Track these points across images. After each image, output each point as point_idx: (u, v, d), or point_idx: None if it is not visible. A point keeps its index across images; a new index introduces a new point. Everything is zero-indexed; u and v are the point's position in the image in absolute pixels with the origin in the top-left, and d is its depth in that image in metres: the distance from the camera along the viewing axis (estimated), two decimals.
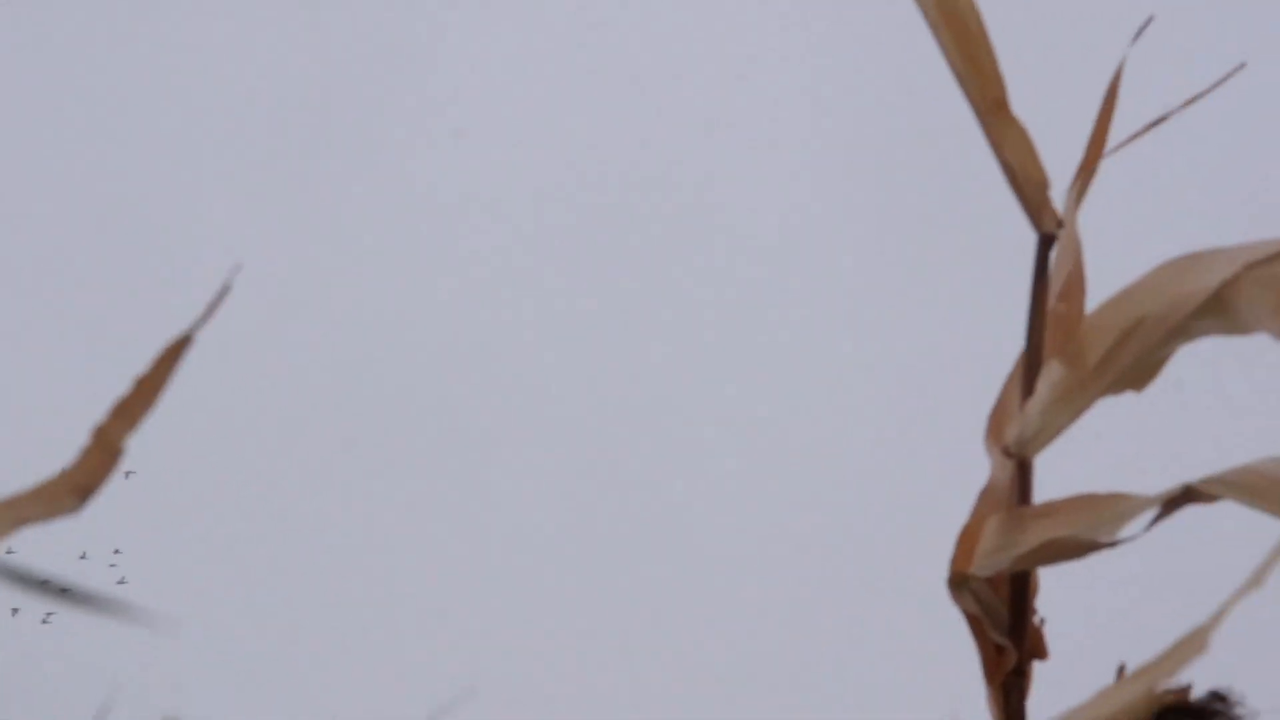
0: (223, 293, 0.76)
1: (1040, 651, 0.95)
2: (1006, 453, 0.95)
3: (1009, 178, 0.93)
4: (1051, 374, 0.93)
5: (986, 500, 0.97)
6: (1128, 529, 0.86)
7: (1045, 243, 0.93)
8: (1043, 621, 0.95)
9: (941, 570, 0.96)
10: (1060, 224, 0.93)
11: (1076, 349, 0.92)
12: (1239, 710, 0.90)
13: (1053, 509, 0.91)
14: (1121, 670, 0.94)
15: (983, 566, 0.92)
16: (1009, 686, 0.94)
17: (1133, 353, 0.90)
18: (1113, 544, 0.87)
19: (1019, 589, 0.94)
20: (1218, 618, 0.60)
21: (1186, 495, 0.80)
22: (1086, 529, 0.87)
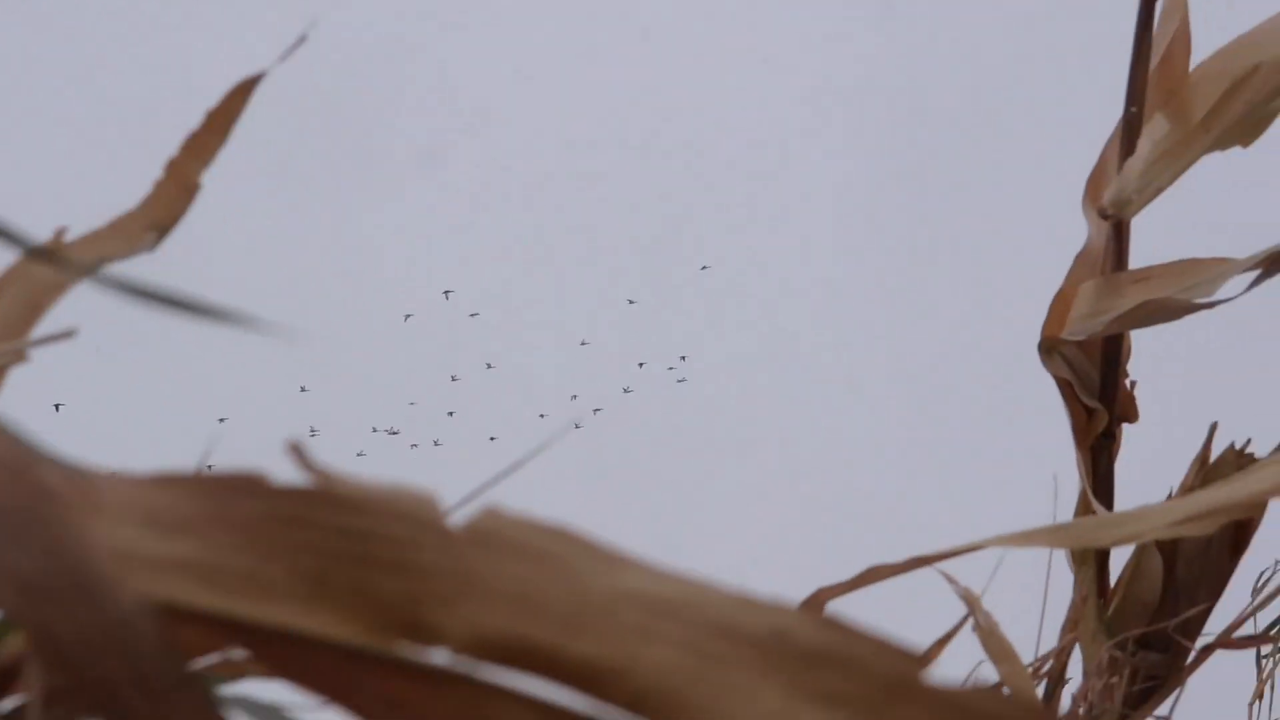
0: (301, 40, 0.74)
1: (1131, 414, 0.92)
2: (1103, 214, 0.91)
3: None
4: (1155, 130, 0.89)
5: (1082, 265, 0.93)
6: (1226, 290, 0.83)
7: None
8: (1134, 384, 0.92)
9: None
10: None
11: (1182, 102, 0.88)
12: None
13: (1150, 273, 0.88)
14: (1213, 430, 0.91)
15: (1075, 330, 0.90)
16: (1098, 449, 0.92)
17: (1244, 103, 0.85)
18: (1210, 305, 0.83)
19: (1111, 352, 0.92)
20: None
21: None
22: (1183, 290, 0.83)
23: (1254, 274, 0.83)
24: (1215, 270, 0.83)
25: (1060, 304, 0.93)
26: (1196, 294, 0.83)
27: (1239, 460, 0.89)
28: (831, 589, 0.73)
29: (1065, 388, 0.92)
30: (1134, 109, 0.90)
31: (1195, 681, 0.99)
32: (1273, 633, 1.04)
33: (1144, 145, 0.89)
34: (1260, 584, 1.08)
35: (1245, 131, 0.87)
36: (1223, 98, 0.86)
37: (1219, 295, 0.83)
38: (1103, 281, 0.90)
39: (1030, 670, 0.83)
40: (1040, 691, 0.86)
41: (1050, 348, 0.92)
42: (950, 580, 0.67)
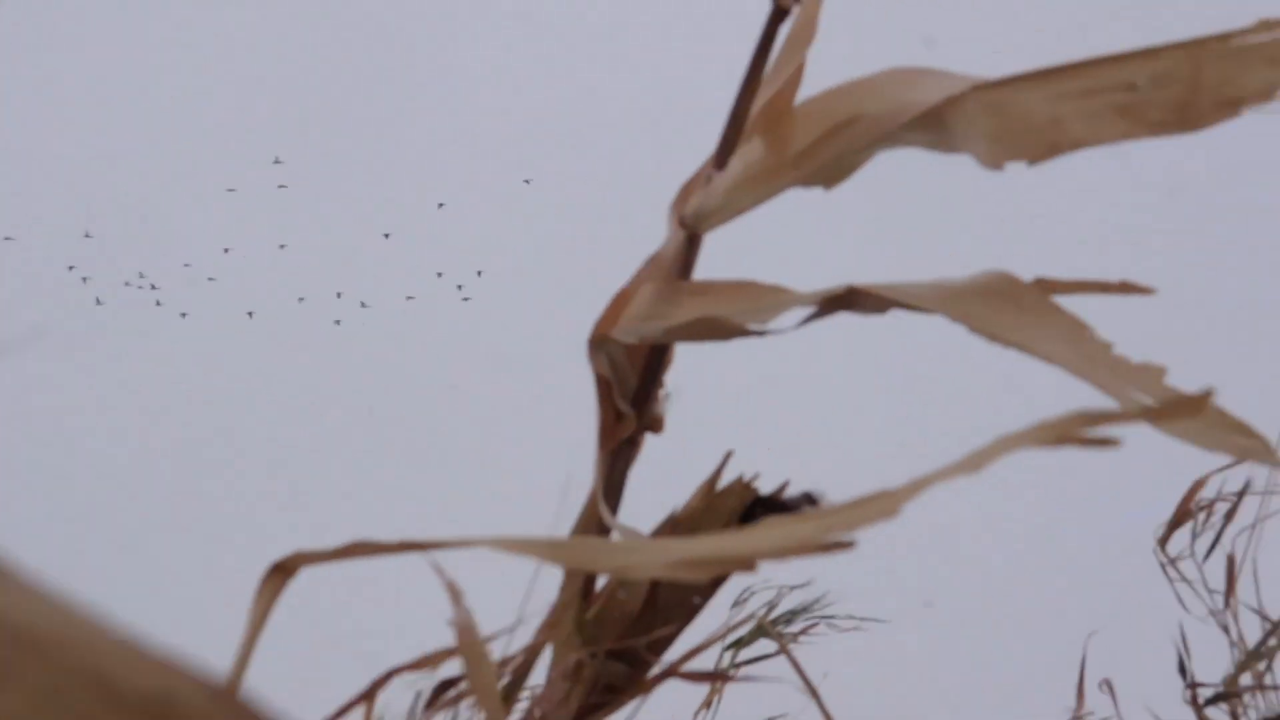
0: None
1: (657, 425, 0.91)
2: (681, 222, 0.89)
3: None
4: (749, 152, 0.87)
5: (650, 268, 0.92)
6: (781, 321, 0.82)
7: (778, 15, 0.86)
8: (667, 395, 0.91)
9: None
10: (799, 0, 0.86)
11: (782, 132, 0.87)
12: None
13: (710, 288, 0.87)
14: (726, 457, 0.92)
15: (627, 332, 0.88)
16: (618, 454, 0.90)
17: (837, 149, 0.85)
18: (762, 333, 0.82)
19: (654, 360, 0.90)
20: (915, 486, 0.55)
21: (849, 297, 0.76)
22: (738, 313, 0.82)
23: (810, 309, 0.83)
24: (772, 299, 0.83)
25: (619, 301, 0.91)
26: (751, 319, 0.82)
27: (743, 492, 0.90)
28: (310, 554, 0.68)
29: (602, 387, 0.90)
30: (733, 127, 0.88)
31: (658, 696, 1.00)
32: (726, 668, 1.07)
33: (735, 165, 0.88)
34: (739, 599, 1.10)
35: (830, 175, 0.87)
36: (819, 138, 0.85)
37: (773, 325, 0.82)
38: (663, 287, 0.88)
39: (497, 668, 0.81)
40: (501, 690, 0.84)
41: (600, 343, 0.89)
42: (438, 571, 0.63)
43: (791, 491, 0.89)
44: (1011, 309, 0.69)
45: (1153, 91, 0.77)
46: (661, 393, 0.92)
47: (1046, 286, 0.70)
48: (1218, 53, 0.75)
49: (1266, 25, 0.74)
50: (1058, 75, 0.80)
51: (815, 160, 0.85)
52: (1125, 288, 0.67)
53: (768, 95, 0.90)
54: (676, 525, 0.89)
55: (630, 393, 0.90)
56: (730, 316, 0.82)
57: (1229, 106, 0.75)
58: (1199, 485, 2.01)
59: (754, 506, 0.89)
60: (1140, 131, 0.78)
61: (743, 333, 0.82)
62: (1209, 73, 0.75)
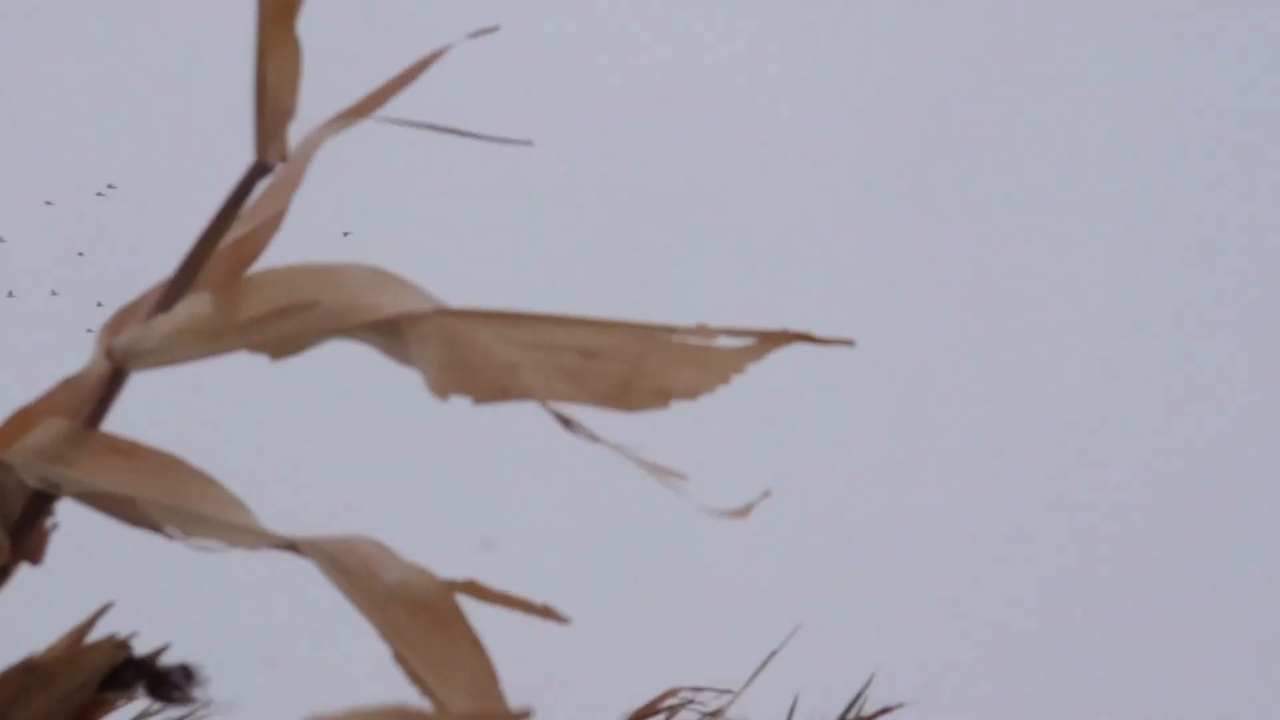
0: None
1: (36, 556, 0.85)
2: (109, 353, 0.83)
3: (258, 91, 0.80)
4: (196, 304, 0.82)
5: (65, 391, 0.84)
6: (209, 543, 0.76)
7: (259, 170, 0.81)
8: (55, 526, 0.85)
9: None
10: (284, 159, 0.81)
11: (234, 296, 0.82)
12: (198, 691, 0.84)
13: (132, 451, 0.80)
14: (102, 610, 0.87)
15: (22, 465, 0.80)
16: None
17: (291, 328, 0.81)
18: (179, 539, 0.77)
19: (45, 492, 0.83)
20: None
21: (290, 546, 0.73)
22: (159, 510, 0.76)
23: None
24: (202, 500, 0.77)
25: (20, 420, 0.83)
26: (173, 523, 0.76)
27: (115, 650, 0.84)
28: None
29: None
30: (186, 272, 0.83)
31: None
32: None
33: (180, 311, 0.83)
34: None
35: (279, 349, 0.83)
36: (272, 313, 0.81)
37: (203, 545, 0.77)
38: (76, 429, 0.81)
39: None
40: None
41: None
42: None
43: (169, 659, 0.84)
44: (436, 634, 0.65)
45: (600, 363, 0.77)
46: (49, 522, 0.85)
47: (473, 589, 0.68)
48: (660, 343, 0.76)
49: (703, 331, 0.76)
50: (518, 321, 0.79)
51: (264, 333, 0.81)
52: (546, 612, 0.66)
53: (236, 238, 0.85)
54: (32, 670, 0.83)
55: (12, 520, 0.83)
56: (147, 508, 0.76)
57: (660, 396, 0.76)
58: (670, 693, 2.17)
59: (124, 667, 0.84)
60: (585, 398, 0.78)
61: (158, 530, 0.76)
62: (650, 360, 0.76)
